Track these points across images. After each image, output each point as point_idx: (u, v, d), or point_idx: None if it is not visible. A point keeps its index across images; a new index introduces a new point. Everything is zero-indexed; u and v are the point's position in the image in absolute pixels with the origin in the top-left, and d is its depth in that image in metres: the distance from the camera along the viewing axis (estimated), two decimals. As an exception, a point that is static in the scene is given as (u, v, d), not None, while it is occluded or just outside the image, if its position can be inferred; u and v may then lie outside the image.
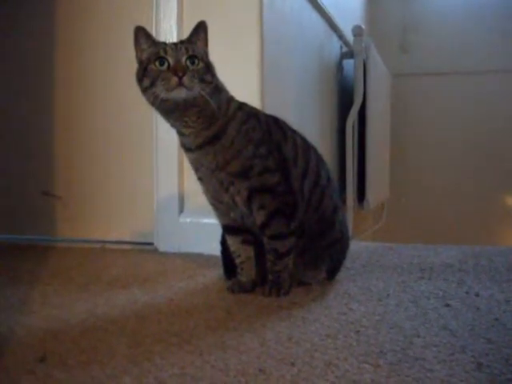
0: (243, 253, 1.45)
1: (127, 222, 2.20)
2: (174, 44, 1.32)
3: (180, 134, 1.38)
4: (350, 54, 3.19)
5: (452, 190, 4.22)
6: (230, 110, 1.37)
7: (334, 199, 1.51)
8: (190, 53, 1.30)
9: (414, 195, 4.31)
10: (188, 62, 1.28)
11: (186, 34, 2.01)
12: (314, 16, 2.69)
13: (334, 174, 3.13)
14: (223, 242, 1.53)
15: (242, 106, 1.41)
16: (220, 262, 1.58)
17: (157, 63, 1.27)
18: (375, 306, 1.30)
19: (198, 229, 1.99)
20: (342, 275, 1.60)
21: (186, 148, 1.39)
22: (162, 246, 2.08)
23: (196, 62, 1.29)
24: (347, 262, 1.78)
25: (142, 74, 1.30)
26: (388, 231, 4.07)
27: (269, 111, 1.95)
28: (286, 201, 1.38)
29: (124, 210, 2.21)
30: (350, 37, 3.13)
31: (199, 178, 1.41)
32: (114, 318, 1.16)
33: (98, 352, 1.02)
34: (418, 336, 1.08)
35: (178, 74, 1.25)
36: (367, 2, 4.32)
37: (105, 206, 2.24)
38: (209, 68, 1.33)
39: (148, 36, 1.34)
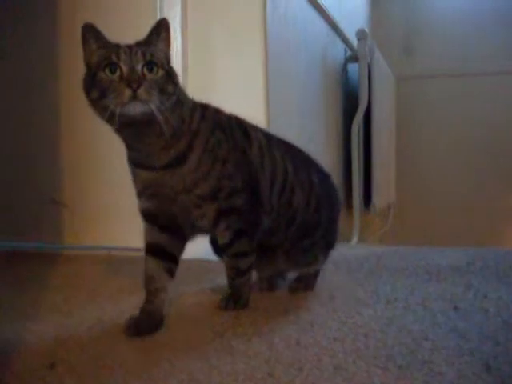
0: (163, 282, 1.23)
1: (134, 229, 2.19)
2: (129, 47, 1.12)
3: (133, 150, 1.20)
4: (354, 58, 3.19)
5: (458, 192, 4.21)
6: (193, 123, 1.21)
7: (313, 185, 1.40)
8: (148, 58, 1.11)
9: (421, 197, 4.30)
10: (145, 70, 1.09)
11: (190, 42, 2.04)
12: (318, 20, 2.69)
13: (340, 178, 3.14)
14: (213, 242, 1.42)
15: (204, 113, 1.24)
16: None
17: (107, 71, 1.08)
18: (383, 310, 1.29)
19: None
20: (349, 279, 1.60)
21: (143, 166, 1.19)
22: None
23: (155, 69, 1.11)
24: (354, 266, 1.78)
25: (91, 82, 1.11)
26: (395, 234, 4.06)
27: (273, 115, 1.97)
28: (251, 220, 1.28)
29: (131, 217, 2.20)
30: (354, 40, 3.14)
31: (151, 196, 1.21)
32: (122, 324, 1.16)
33: (107, 359, 1.02)
34: (427, 339, 1.08)
35: (132, 86, 1.06)
36: (371, 5, 4.32)
37: (112, 213, 2.24)
38: (170, 76, 1.15)
39: (99, 35, 1.14)
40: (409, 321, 1.20)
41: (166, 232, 1.25)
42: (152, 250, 1.25)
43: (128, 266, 1.94)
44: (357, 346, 1.05)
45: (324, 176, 1.49)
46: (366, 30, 3.12)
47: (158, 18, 2.02)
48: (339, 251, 2.10)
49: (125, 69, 1.08)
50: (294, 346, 1.06)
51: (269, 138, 1.37)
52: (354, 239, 3.06)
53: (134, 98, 1.06)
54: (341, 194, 3.09)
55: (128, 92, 1.06)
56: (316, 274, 1.50)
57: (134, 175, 1.22)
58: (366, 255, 1.99)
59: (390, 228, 4.05)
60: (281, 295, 1.44)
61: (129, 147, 1.20)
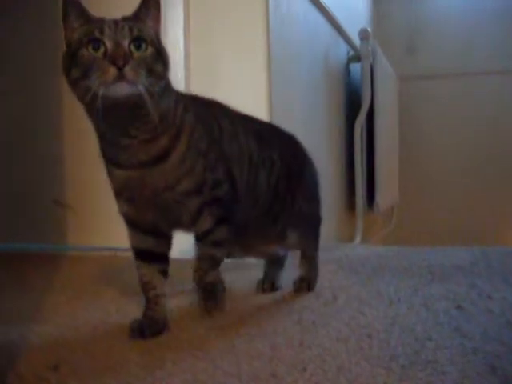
0: (159, 285, 1.19)
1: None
2: (115, 22, 1.00)
3: (110, 144, 1.08)
4: (356, 58, 3.19)
5: (461, 191, 4.21)
6: (177, 115, 1.11)
7: (274, 162, 1.33)
8: (136, 34, 0.99)
9: (424, 197, 4.29)
10: (132, 47, 0.98)
11: (193, 43, 2.04)
12: (320, 20, 2.70)
13: (343, 178, 3.14)
14: None
15: (186, 105, 1.14)
16: (230, 267, 1.57)
17: (90, 47, 0.97)
18: (386, 310, 1.29)
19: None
20: (352, 279, 1.59)
21: (119, 164, 1.09)
22: (174, 253, 2.08)
23: (143, 46, 1.00)
24: (357, 266, 1.77)
25: (70, 61, 0.99)
26: (398, 235, 4.06)
27: (276, 116, 1.97)
28: (232, 208, 1.22)
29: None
30: (356, 40, 3.14)
31: (128, 199, 1.14)
32: (126, 325, 1.16)
33: (111, 360, 1.03)
34: (430, 339, 1.08)
35: (117, 63, 0.95)
36: (373, 4, 4.32)
37: (116, 214, 2.24)
38: (160, 56, 1.04)
39: (81, 10, 1.02)
40: (412, 321, 1.20)
41: (150, 235, 1.19)
42: (141, 255, 1.20)
43: (132, 267, 1.93)
44: (360, 347, 1.05)
45: (291, 148, 1.44)
46: (369, 29, 3.12)
47: (162, 17, 2.05)
48: (342, 251, 2.11)
49: (109, 45, 0.97)
50: (297, 346, 1.06)
51: (232, 121, 1.27)
52: (357, 239, 3.06)
53: (120, 77, 0.95)
54: (343, 194, 3.13)
55: (113, 70, 0.95)
56: (315, 272, 1.49)
57: (109, 174, 1.12)
58: (368, 255, 1.99)
59: (393, 228, 4.05)
60: (284, 295, 1.44)
61: (105, 139, 1.08)
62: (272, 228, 1.38)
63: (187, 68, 2.00)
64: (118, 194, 1.14)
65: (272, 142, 1.36)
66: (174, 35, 2.03)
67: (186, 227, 1.23)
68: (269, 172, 1.31)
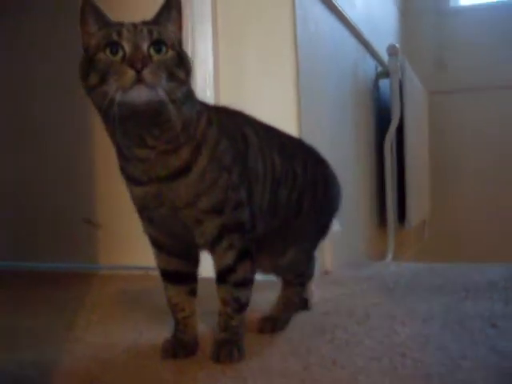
0: (188, 306, 1.16)
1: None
2: (133, 25, 0.96)
3: (127, 159, 1.03)
4: (385, 74, 3.19)
5: (494, 206, 4.14)
6: (200, 126, 1.04)
7: (296, 176, 1.24)
8: (155, 36, 0.95)
9: (456, 212, 4.24)
10: (151, 50, 0.94)
11: (222, 60, 2.06)
12: (348, 37, 2.70)
13: (374, 194, 3.12)
14: None
15: (210, 116, 1.07)
16: (264, 286, 1.57)
17: (107, 51, 0.93)
18: (420, 328, 1.28)
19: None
20: (385, 297, 1.58)
21: (136, 180, 1.04)
22: (205, 272, 2.08)
23: (163, 49, 0.95)
24: (390, 284, 1.76)
25: (87, 67, 0.95)
26: (430, 250, 4.02)
27: (305, 132, 1.97)
28: (252, 238, 1.12)
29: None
30: (384, 56, 3.13)
31: (149, 220, 1.10)
32: (159, 344, 1.16)
33: (144, 379, 1.03)
34: (466, 358, 1.06)
35: (135, 66, 0.90)
36: (402, 19, 4.31)
37: (146, 233, 2.26)
38: (182, 60, 0.98)
39: (99, 14, 0.98)
40: (446, 339, 1.18)
41: (175, 256, 1.15)
42: (167, 276, 1.16)
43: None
44: (394, 366, 1.03)
45: (315, 163, 1.33)
46: (397, 45, 3.11)
47: (190, 36, 2.07)
48: (374, 269, 2.10)
49: (128, 48, 0.92)
50: (330, 365, 1.05)
51: (257, 133, 1.19)
52: (389, 256, 3.04)
53: (139, 81, 0.90)
54: (374, 210, 3.11)
55: (131, 73, 0.90)
56: (290, 312, 1.35)
57: (130, 192, 1.08)
58: (401, 272, 1.97)
59: (425, 244, 4.01)
60: (316, 314, 1.43)
61: (122, 154, 1.04)
62: (282, 242, 1.27)
63: (216, 85, 2.01)
64: (140, 212, 1.11)
65: (295, 155, 1.28)
66: (202, 52, 2.05)
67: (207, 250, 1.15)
68: (291, 186, 1.23)
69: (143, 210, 1.08)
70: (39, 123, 2.44)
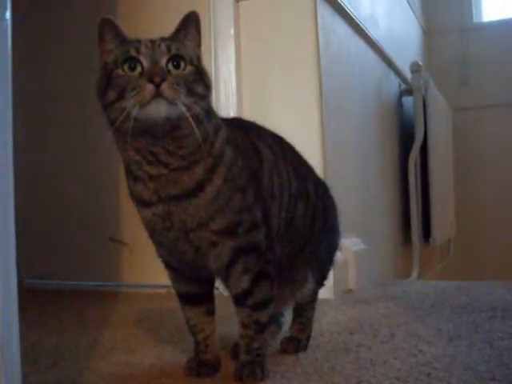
0: (208, 326, 1.13)
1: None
2: (151, 41, 0.96)
3: (136, 179, 1.00)
4: (409, 91, 3.19)
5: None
6: (217, 143, 1.00)
7: (309, 196, 1.20)
8: (174, 52, 0.94)
9: (482, 230, 4.20)
10: (170, 65, 0.93)
11: (244, 80, 2.07)
12: (371, 54, 2.71)
13: (398, 212, 3.10)
14: None
15: (228, 134, 1.04)
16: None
17: (125, 67, 0.92)
18: (446, 347, 1.26)
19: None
20: (410, 316, 1.56)
21: (144, 202, 1.01)
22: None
23: (182, 65, 0.94)
24: (415, 302, 1.74)
25: (105, 83, 0.94)
26: (456, 268, 3.97)
27: (329, 152, 1.98)
28: (269, 258, 1.07)
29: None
30: (408, 73, 3.13)
31: (160, 244, 1.08)
32: (181, 363, 1.16)
33: (167, 397, 1.03)
34: (494, 379, 1.04)
35: (154, 80, 0.89)
36: (426, 37, 4.31)
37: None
38: (201, 76, 0.97)
39: (117, 32, 0.97)
40: (473, 359, 1.16)
41: (189, 279, 1.13)
42: (184, 298, 1.14)
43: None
44: (420, 386, 1.02)
45: (320, 186, 1.29)
46: (420, 62, 3.11)
47: (213, 56, 2.09)
48: (399, 287, 2.08)
49: (146, 63, 0.92)
50: (354, 385, 1.04)
51: (273, 150, 1.15)
52: (414, 274, 3.01)
53: (157, 95, 0.89)
54: (399, 228, 3.09)
55: (149, 87, 0.89)
56: (310, 329, 1.32)
57: (140, 215, 1.05)
58: (426, 291, 1.95)
59: (450, 262, 3.97)
60: (340, 333, 1.42)
61: (131, 174, 1.01)
62: (300, 269, 1.23)
63: (239, 103, 2.03)
64: (151, 236, 1.07)
65: (306, 172, 1.25)
66: (225, 71, 2.06)
67: (220, 276, 1.10)
68: (306, 205, 1.19)
69: (153, 233, 1.05)
70: (66, 141, 2.48)
